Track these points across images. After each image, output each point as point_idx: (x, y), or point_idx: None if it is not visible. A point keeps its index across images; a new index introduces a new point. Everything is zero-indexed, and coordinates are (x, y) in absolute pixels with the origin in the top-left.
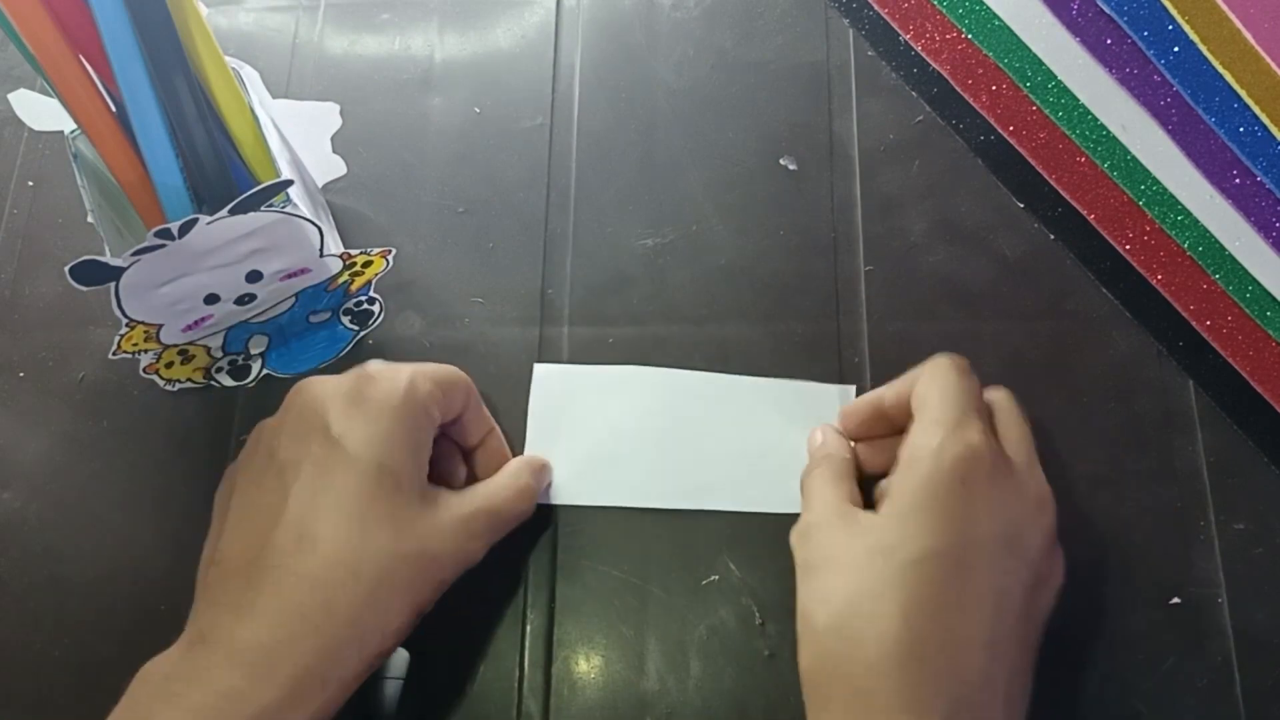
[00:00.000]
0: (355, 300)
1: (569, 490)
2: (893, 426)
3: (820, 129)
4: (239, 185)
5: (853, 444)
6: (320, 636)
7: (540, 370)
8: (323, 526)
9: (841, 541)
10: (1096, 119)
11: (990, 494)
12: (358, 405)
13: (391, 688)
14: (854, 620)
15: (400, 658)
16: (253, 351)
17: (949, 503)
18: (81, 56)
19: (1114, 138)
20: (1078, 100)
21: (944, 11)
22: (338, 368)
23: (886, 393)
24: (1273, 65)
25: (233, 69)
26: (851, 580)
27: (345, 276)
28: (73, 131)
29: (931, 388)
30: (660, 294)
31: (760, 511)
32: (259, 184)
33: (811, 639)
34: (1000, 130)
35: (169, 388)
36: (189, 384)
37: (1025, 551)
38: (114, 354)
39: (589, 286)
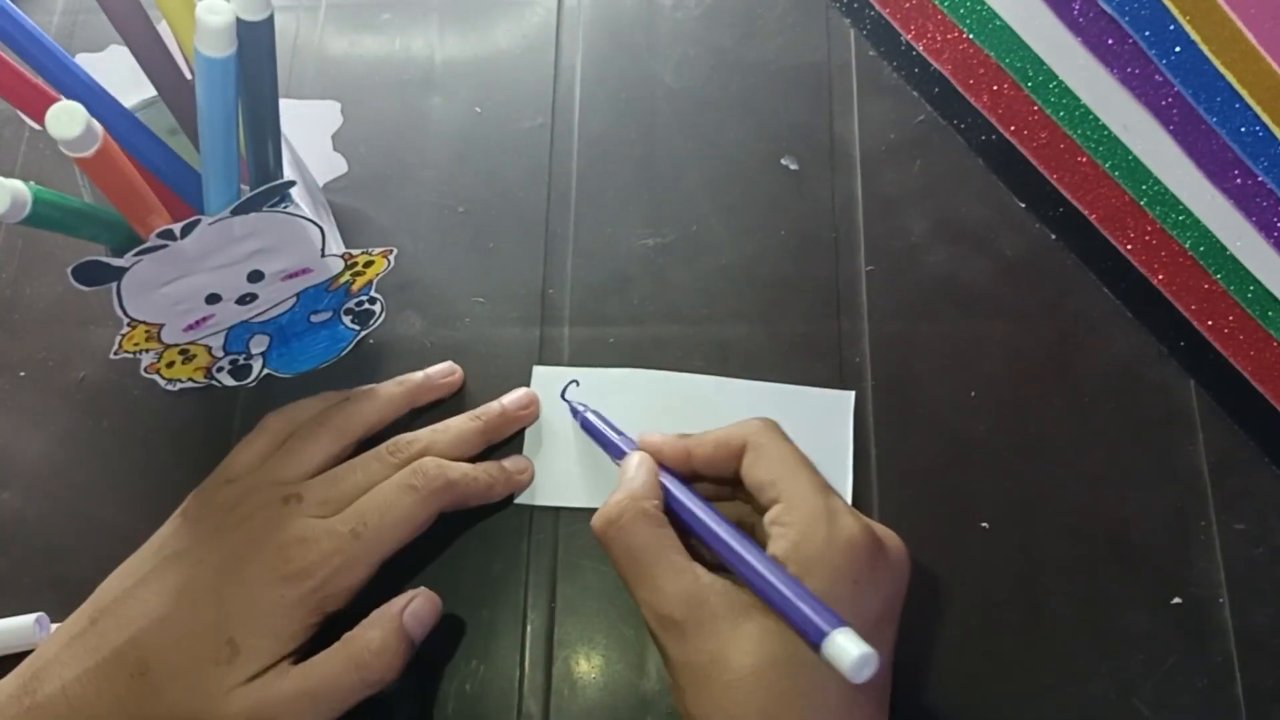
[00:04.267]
0: (356, 300)
1: (569, 492)
2: (691, 475)
3: (821, 129)
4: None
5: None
6: None
7: (539, 373)
8: (156, 659)
9: (734, 647)
10: (1098, 119)
11: (874, 577)
12: (286, 579)
13: (392, 688)
14: None
15: None
16: (254, 351)
17: (847, 609)
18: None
19: (1115, 138)
20: (1079, 100)
21: (945, 11)
22: (338, 367)
23: (696, 449)
24: (1274, 65)
25: None
26: (760, 693)
27: (346, 276)
28: None
29: (772, 467)
30: (660, 294)
31: None
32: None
33: None
34: (1002, 130)
35: (170, 387)
36: (190, 384)
37: (897, 606)
38: (115, 354)
39: (589, 286)
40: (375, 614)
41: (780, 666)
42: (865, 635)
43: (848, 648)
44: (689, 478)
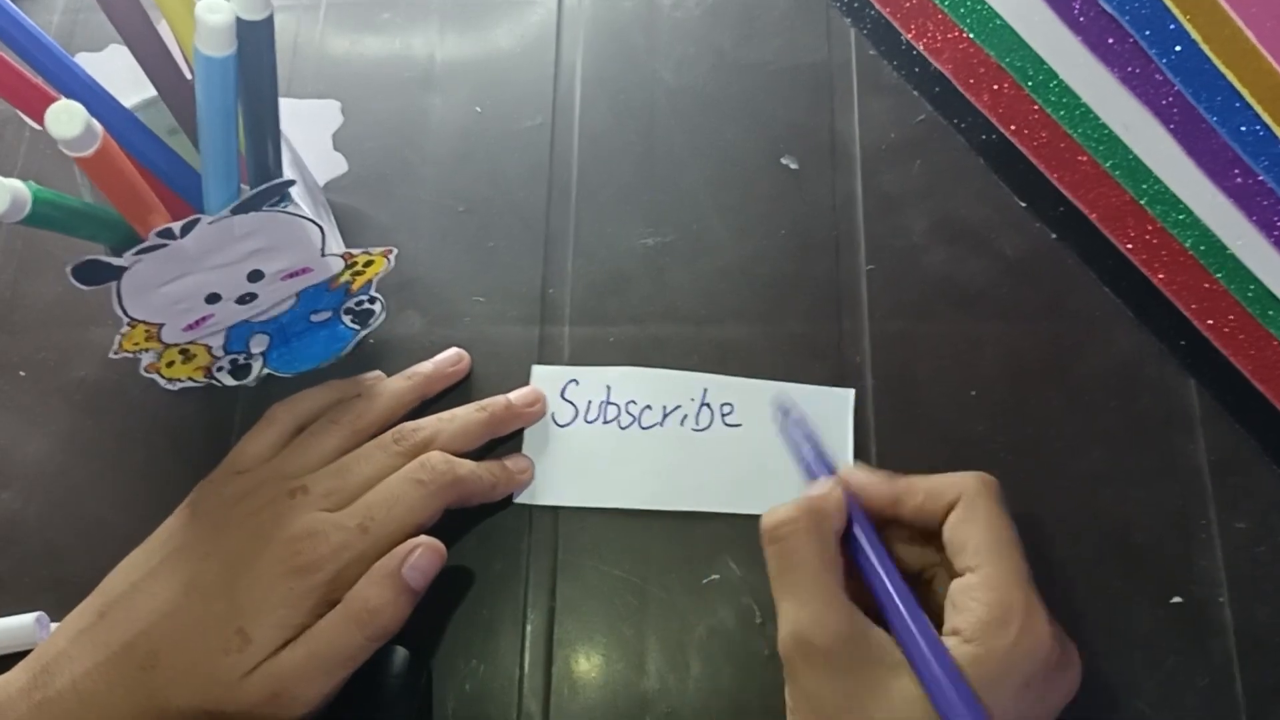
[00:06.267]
0: (356, 299)
1: (569, 492)
2: (886, 518)
3: (821, 128)
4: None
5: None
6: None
7: (538, 372)
8: (166, 651)
9: (876, 701)
10: (1098, 118)
11: (1046, 685)
12: (296, 571)
13: (391, 688)
14: None
15: (400, 657)
16: (254, 351)
17: (1008, 705)
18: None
19: (1116, 137)
20: (1079, 99)
21: (946, 11)
22: (337, 367)
23: (907, 497)
24: (1274, 64)
25: None
26: None
27: (346, 276)
28: None
29: (979, 536)
30: (660, 293)
31: (760, 514)
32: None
33: None
34: (1002, 129)
35: (170, 387)
36: (190, 383)
37: (1054, 715)
38: (115, 353)
39: (589, 286)
40: (374, 568)
41: None
42: None
43: None
44: (885, 520)
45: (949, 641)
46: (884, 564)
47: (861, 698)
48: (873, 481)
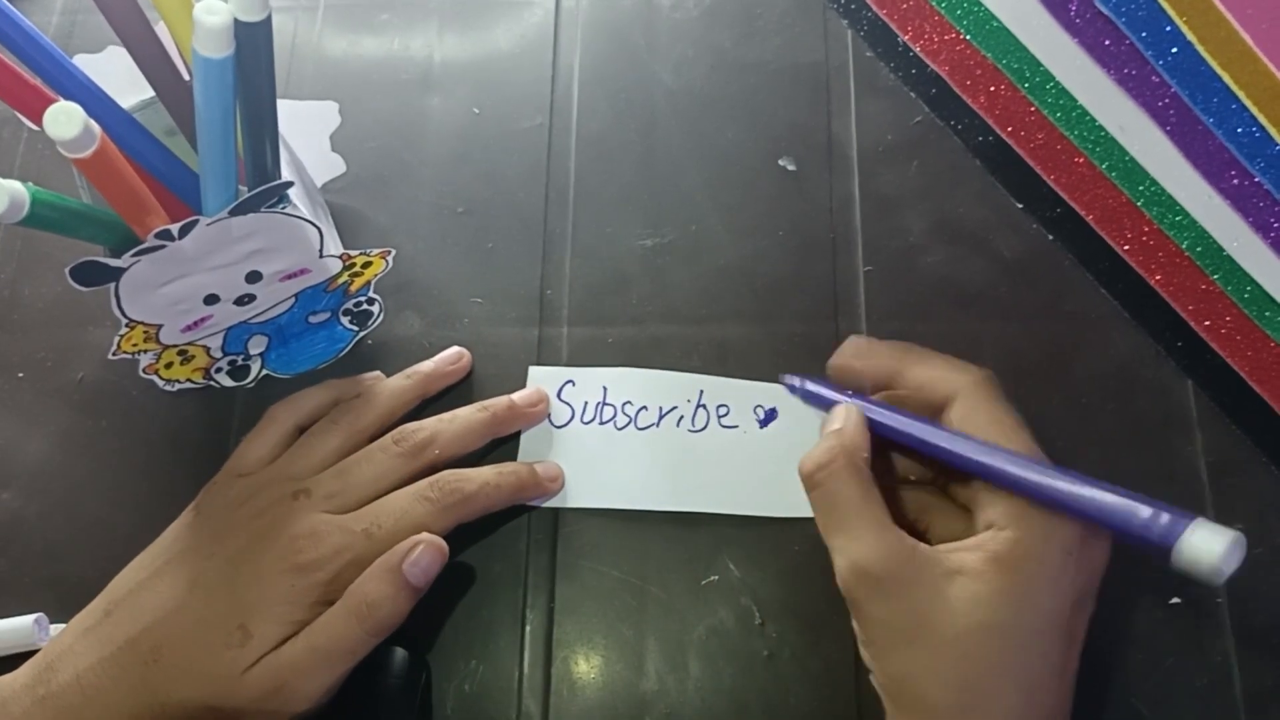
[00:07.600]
0: (355, 300)
1: (567, 493)
2: (881, 388)
3: (819, 129)
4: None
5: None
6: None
7: (535, 373)
8: (169, 646)
9: (940, 610)
10: (1095, 120)
11: (1084, 550)
12: (297, 569)
13: (391, 688)
14: (978, 700)
15: (400, 657)
16: (252, 352)
17: (1057, 577)
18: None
19: (1112, 138)
20: (1076, 101)
21: (942, 12)
22: (336, 368)
23: (906, 371)
24: (1271, 66)
25: None
26: (967, 659)
27: (345, 277)
28: None
29: (986, 432)
30: (659, 294)
31: (756, 515)
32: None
33: (927, 714)
34: (999, 131)
35: (168, 388)
36: (188, 384)
37: (1097, 583)
38: (113, 354)
39: (588, 286)
40: (376, 564)
41: (987, 633)
42: (1069, 611)
43: (1212, 540)
44: (886, 480)
45: (985, 535)
46: (918, 419)
47: (926, 611)
48: (877, 351)
